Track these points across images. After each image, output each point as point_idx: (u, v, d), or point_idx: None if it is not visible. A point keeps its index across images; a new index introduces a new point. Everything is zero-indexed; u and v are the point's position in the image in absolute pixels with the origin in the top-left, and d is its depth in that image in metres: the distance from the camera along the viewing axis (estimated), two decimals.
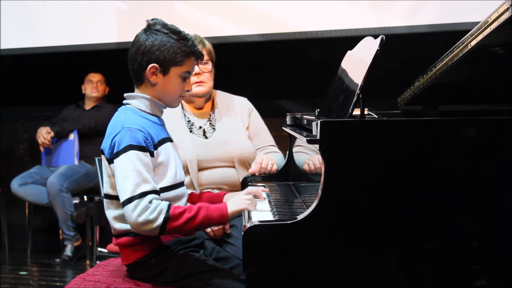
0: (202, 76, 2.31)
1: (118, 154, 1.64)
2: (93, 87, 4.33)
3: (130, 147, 1.63)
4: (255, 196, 1.84)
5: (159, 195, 1.65)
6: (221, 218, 1.66)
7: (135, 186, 1.60)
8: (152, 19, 1.75)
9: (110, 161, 1.68)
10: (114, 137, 1.66)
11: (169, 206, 1.61)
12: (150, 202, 1.59)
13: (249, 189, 1.92)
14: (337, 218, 1.47)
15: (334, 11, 3.83)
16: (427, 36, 3.70)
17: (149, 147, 1.68)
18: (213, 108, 2.40)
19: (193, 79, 2.25)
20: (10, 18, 4.44)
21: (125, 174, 1.61)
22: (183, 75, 1.76)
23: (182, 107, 2.36)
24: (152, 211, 1.58)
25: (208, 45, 2.36)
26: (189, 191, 1.96)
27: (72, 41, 4.36)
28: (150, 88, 1.75)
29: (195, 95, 2.33)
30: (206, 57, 2.31)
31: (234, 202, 1.70)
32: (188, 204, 1.78)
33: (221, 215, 1.65)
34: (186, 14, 4.13)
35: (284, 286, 1.51)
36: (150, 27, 1.73)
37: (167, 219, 1.59)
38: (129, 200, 1.59)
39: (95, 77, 4.35)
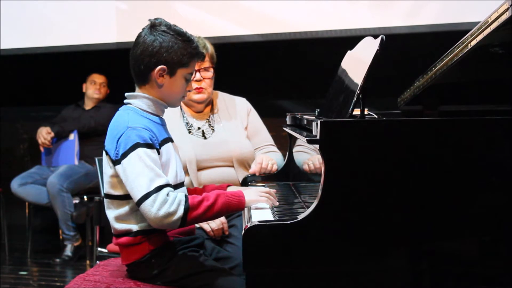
0: (203, 83, 2.29)
1: (126, 154, 1.62)
2: (96, 88, 4.31)
3: (137, 145, 1.62)
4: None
5: (173, 188, 1.65)
6: (239, 204, 1.66)
7: (149, 182, 1.59)
8: (156, 19, 1.73)
9: (116, 162, 1.66)
10: (119, 138, 1.65)
11: (187, 197, 1.61)
12: (167, 195, 1.59)
13: (263, 189, 1.85)
14: (337, 218, 1.47)
15: (334, 11, 3.83)
16: (427, 36, 3.70)
17: (155, 144, 1.67)
18: (212, 110, 2.39)
19: (193, 85, 2.23)
20: (10, 18, 4.44)
21: (137, 172, 1.60)
22: (187, 76, 1.76)
23: (181, 109, 2.36)
24: (171, 203, 1.57)
25: (211, 49, 2.33)
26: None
27: (72, 41, 4.36)
28: (156, 89, 1.73)
29: (194, 101, 2.32)
30: (207, 63, 2.29)
31: (251, 192, 1.70)
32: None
33: (239, 201, 1.66)
34: (186, 14, 4.13)
35: (284, 286, 1.51)
36: (156, 27, 1.71)
37: (187, 209, 1.59)
38: (146, 196, 1.58)
39: (99, 78, 4.33)
